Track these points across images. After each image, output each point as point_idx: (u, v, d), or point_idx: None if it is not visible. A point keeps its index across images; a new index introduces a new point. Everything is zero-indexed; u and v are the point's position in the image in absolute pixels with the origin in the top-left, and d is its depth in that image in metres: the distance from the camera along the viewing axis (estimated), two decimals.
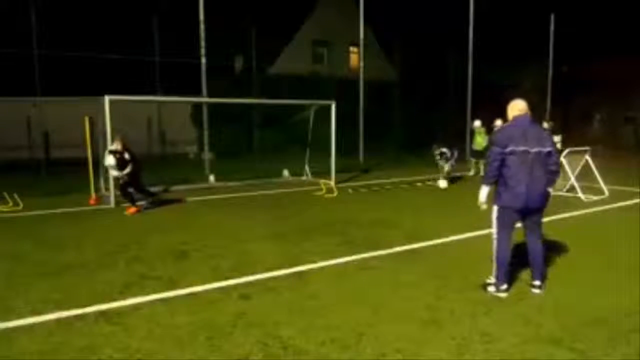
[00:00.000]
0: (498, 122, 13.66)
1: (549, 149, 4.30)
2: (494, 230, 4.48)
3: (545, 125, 14.01)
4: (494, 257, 4.48)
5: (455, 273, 5.10)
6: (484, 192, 4.46)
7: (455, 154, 12.34)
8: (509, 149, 4.23)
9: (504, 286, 4.46)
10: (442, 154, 12.25)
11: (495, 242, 4.47)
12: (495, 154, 4.29)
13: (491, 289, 4.50)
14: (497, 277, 4.47)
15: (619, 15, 23.50)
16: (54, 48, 15.00)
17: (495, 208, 4.43)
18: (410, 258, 5.77)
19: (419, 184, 12.63)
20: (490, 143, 4.51)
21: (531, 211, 4.37)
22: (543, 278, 4.57)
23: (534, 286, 4.51)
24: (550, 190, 4.45)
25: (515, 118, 4.40)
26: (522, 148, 4.22)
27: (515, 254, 4.68)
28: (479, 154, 13.89)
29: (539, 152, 4.25)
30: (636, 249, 6.03)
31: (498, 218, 4.42)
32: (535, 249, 4.51)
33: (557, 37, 21.23)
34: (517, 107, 4.43)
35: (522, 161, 4.22)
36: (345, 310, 4.14)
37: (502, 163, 4.27)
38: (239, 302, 4.34)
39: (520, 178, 4.22)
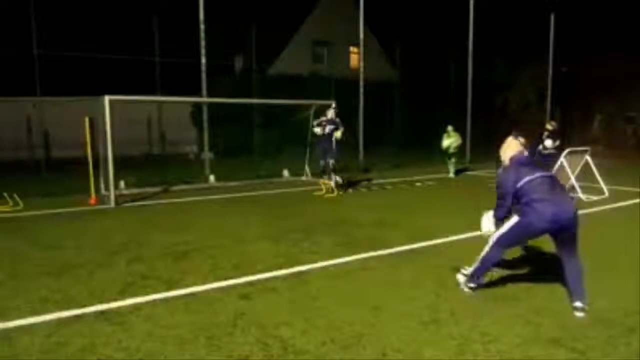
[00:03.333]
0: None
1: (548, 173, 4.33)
2: (495, 235, 4.28)
3: (549, 126, 13.99)
4: (480, 258, 4.35)
5: (455, 273, 5.09)
6: (485, 224, 4.42)
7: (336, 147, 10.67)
8: (523, 181, 4.13)
9: (474, 285, 4.47)
10: (323, 124, 10.58)
11: (487, 249, 4.30)
12: (507, 193, 4.20)
13: (461, 279, 4.54)
14: (472, 277, 4.43)
15: (619, 15, 23.50)
16: (54, 48, 15.00)
17: (516, 218, 4.16)
18: (410, 258, 5.77)
19: (418, 184, 12.64)
20: (498, 185, 4.35)
21: (559, 228, 4.05)
22: (585, 298, 4.12)
23: (576, 308, 4.06)
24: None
25: (517, 156, 4.38)
26: (536, 175, 4.16)
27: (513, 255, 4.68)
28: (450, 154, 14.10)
29: (551, 176, 4.30)
30: (636, 249, 6.03)
31: (513, 229, 4.17)
32: (573, 268, 4.16)
33: (557, 37, 21.22)
34: (517, 145, 4.45)
35: (542, 184, 4.11)
36: (345, 310, 4.14)
37: (516, 197, 4.18)
38: (239, 302, 4.34)
39: (544, 197, 4.04)
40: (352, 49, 24.39)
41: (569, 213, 4.03)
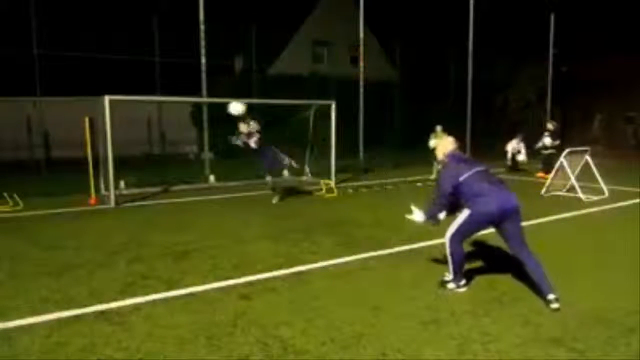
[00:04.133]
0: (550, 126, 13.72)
1: (485, 167, 4.55)
2: (451, 230, 4.44)
3: (550, 126, 14.00)
4: (449, 257, 4.51)
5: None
6: (417, 217, 4.75)
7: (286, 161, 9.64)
8: (463, 177, 4.37)
9: (463, 281, 4.60)
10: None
11: (449, 243, 4.47)
12: (446, 190, 4.43)
13: (451, 285, 4.60)
14: (455, 276, 4.57)
15: (619, 15, 23.49)
16: (54, 48, 15.00)
17: (467, 212, 4.35)
18: (410, 258, 5.77)
19: (419, 184, 12.63)
20: (438, 184, 4.61)
21: (507, 214, 4.22)
22: (553, 289, 4.21)
23: (549, 301, 4.14)
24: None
25: (452, 153, 4.62)
26: (474, 170, 4.42)
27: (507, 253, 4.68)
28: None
29: (486, 169, 4.52)
30: (636, 249, 6.02)
31: (466, 223, 4.36)
32: (531, 263, 4.28)
33: (557, 37, 21.22)
34: (450, 143, 4.70)
35: (480, 178, 4.37)
36: (345, 310, 4.14)
37: (455, 193, 4.41)
38: (239, 302, 4.34)
39: (484, 188, 4.30)
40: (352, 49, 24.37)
41: (513, 202, 4.29)
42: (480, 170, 4.44)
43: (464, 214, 4.41)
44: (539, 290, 4.30)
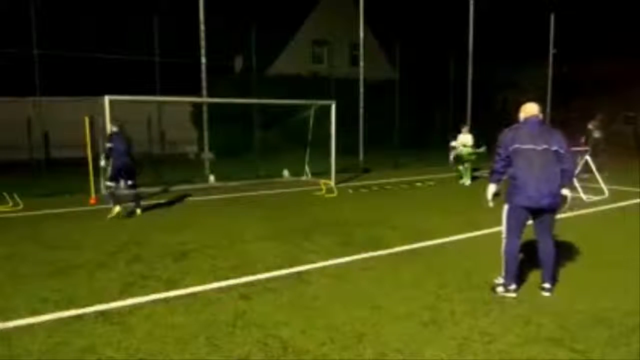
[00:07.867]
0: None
1: (555, 147, 4.20)
2: (503, 228, 4.46)
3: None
4: (502, 257, 4.45)
5: (455, 273, 5.10)
6: (490, 189, 4.56)
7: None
8: (513, 147, 4.26)
9: (513, 286, 4.41)
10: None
11: (503, 241, 4.45)
12: (500, 153, 4.38)
13: (500, 289, 4.46)
14: (505, 277, 4.43)
15: (619, 15, 23.50)
16: (54, 48, 14.99)
17: (505, 207, 4.39)
18: (410, 258, 5.77)
19: (418, 184, 12.63)
20: (498, 143, 4.50)
21: (541, 211, 4.25)
22: (553, 280, 4.47)
23: (543, 288, 4.42)
24: (566, 191, 4.32)
25: (525, 119, 4.42)
26: (528, 146, 4.22)
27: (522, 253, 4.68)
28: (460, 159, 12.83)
29: (546, 150, 4.18)
30: (636, 249, 6.02)
31: (507, 217, 4.38)
32: (546, 249, 4.40)
33: (557, 37, 21.23)
34: (527, 110, 4.44)
35: (529, 160, 4.20)
36: (345, 310, 4.14)
37: (509, 163, 4.33)
38: (239, 302, 4.34)
39: (527, 177, 4.17)
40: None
41: (550, 196, 4.18)
42: (534, 149, 4.18)
43: (504, 208, 4.39)
44: (541, 275, 4.48)
